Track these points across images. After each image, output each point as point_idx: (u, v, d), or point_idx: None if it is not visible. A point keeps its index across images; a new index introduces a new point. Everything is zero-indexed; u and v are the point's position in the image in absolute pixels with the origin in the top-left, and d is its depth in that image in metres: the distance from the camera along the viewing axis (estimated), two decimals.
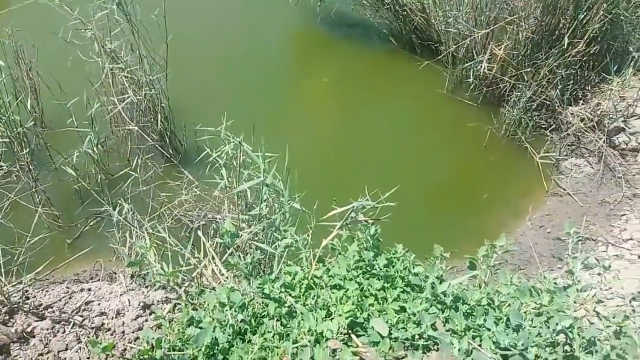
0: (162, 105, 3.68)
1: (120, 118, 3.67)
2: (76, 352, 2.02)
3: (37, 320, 2.18)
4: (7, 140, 3.11)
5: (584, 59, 4.46)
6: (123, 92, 3.58)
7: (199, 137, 3.72)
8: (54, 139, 3.69)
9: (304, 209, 2.59)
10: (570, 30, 4.27)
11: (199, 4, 5.19)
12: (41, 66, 3.86)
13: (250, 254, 2.58)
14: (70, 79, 3.86)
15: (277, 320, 1.83)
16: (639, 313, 2.48)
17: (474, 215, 3.74)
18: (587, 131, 4.19)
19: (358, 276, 1.95)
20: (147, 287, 2.57)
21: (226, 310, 1.83)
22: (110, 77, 3.59)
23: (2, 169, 3.32)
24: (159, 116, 3.63)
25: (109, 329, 2.12)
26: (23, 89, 3.74)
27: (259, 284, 1.95)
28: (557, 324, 1.44)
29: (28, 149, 3.33)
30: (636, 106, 4.08)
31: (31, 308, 2.26)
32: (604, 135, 4.04)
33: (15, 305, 2.24)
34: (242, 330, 1.81)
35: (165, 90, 3.69)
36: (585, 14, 4.20)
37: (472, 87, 4.65)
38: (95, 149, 3.42)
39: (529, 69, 4.45)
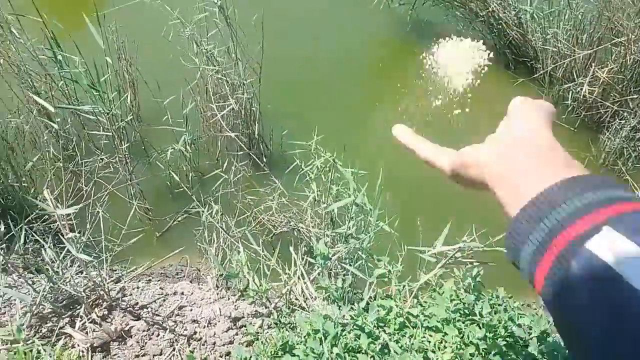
0: (253, 109, 3.73)
1: (212, 119, 3.76)
2: (169, 358, 2.08)
3: (133, 320, 2.27)
4: (110, 134, 3.25)
5: None
6: (218, 94, 3.66)
7: (284, 145, 3.75)
8: (147, 134, 3.84)
9: (392, 231, 2.54)
10: None
11: (293, 10, 5.20)
12: (140, 63, 4.01)
13: (338, 275, 2.57)
14: (167, 77, 3.99)
15: (371, 357, 1.80)
16: None
17: None
18: None
19: (456, 320, 1.88)
20: (233, 293, 2.63)
21: (320, 339, 1.82)
22: (206, 78, 3.68)
23: (102, 160, 3.50)
24: (250, 120, 3.69)
25: (201, 339, 2.17)
26: (123, 85, 3.90)
27: (354, 316, 1.93)
28: None
29: (128, 143, 3.47)
30: None
31: (128, 306, 2.35)
32: None
33: (115, 302, 2.35)
34: None
35: (257, 94, 3.74)
36: None
37: (569, 109, 4.40)
38: (188, 147, 3.53)
39: (635, 96, 4.16)
